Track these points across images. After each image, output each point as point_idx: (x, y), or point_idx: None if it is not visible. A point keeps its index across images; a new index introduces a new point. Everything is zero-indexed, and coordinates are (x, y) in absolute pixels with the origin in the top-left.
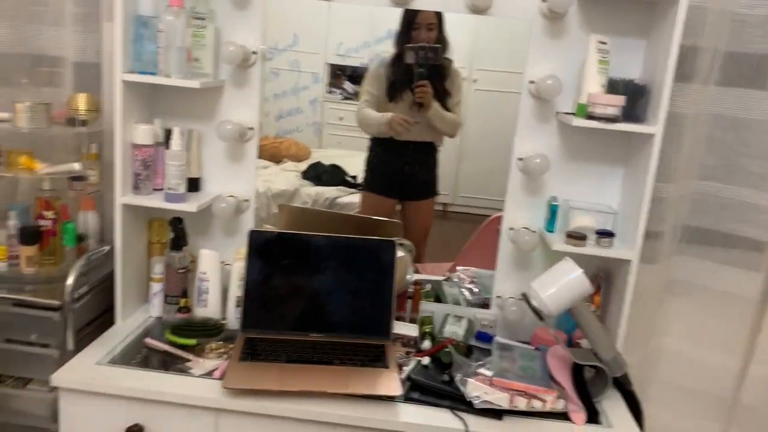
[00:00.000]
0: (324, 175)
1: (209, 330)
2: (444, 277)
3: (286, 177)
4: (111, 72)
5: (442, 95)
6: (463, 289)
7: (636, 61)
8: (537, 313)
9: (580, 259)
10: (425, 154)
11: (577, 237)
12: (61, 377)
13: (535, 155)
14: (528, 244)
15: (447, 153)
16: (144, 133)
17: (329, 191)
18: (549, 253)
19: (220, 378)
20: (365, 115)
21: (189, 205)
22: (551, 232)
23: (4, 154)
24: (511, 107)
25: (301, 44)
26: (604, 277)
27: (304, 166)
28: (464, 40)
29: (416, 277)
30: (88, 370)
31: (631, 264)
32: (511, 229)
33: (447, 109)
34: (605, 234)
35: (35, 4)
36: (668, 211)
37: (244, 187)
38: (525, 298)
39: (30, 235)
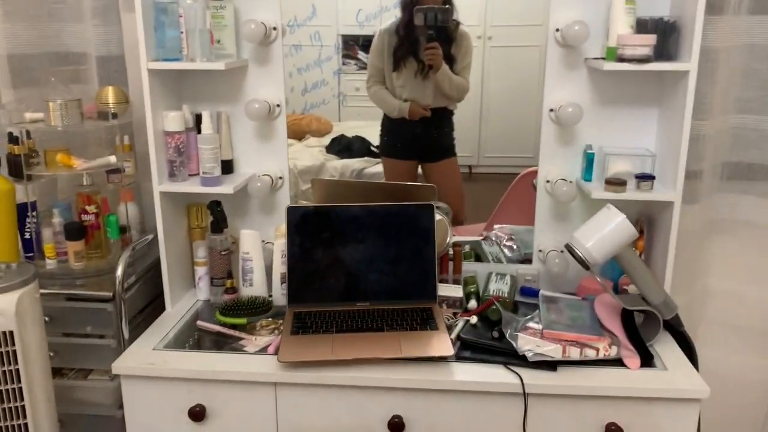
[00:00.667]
0: (348, 147)
1: (257, 308)
2: (482, 237)
3: (310, 153)
4: (135, 62)
5: (449, 60)
6: (502, 247)
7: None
8: (582, 262)
9: (620, 205)
10: (438, 117)
11: (616, 183)
12: (121, 365)
13: (567, 104)
14: (566, 196)
15: (467, 114)
16: (174, 120)
17: (355, 163)
18: (588, 203)
19: (275, 353)
20: (380, 97)
21: (225, 188)
22: (589, 181)
23: (41, 153)
24: (531, 62)
25: (319, 16)
26: (646, 222)
27: (327, 140)
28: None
29: (455, 239)
30: (146, 356)
31: (674, 205)
32: (548, 181)
33: (454, 73)
34: (645, 177)
35: (55, 2)
36: (707, 148)
37: (277, 165)
38: (569, 248)
39: (75, 230)
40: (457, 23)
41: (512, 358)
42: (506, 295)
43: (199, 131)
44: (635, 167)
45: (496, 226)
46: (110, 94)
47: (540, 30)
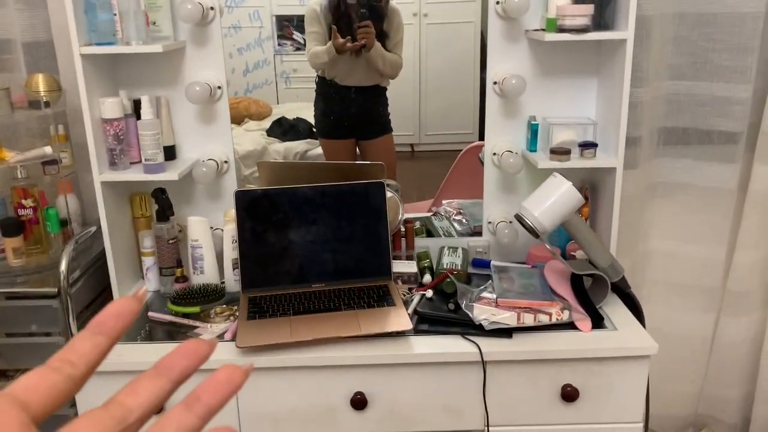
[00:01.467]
0: (290, 129)
1: (210, 295)
2: (431, 213)
3: (251, 137)
4: (65, 47)
5: (381, 36)
6: (452, 221)
7: None
8: (532, 231)
9: (565, 173)
10: (372, 95)
11: (561, 152)
12: None
13: (510, 77)
14: (513, 167)
15: (406, 92)
16: (112, 107)
17: (298, 145)
18: (534, 173)
19: (232, 339)
20: (314, 52)
21: (169, 174)
22: (534, 151)
23: None
24: (467, 37)
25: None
26: (589, 189)
27: (267, 123)
28: None
29: (406, 216)
30: None
31: (616, 171)
32: (495, 154)
33: (387, 50)
34: (588, 145)
35: None
36: (644, 115)
37: (221, 149)
38: (518, 218)
39: (12, 226)
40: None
41: (469, 328)
42: (459, 267)
43: (138, 117)
44: (578, 136)
45: (444, 201)
46: (40, 82)
47: (475, 5)
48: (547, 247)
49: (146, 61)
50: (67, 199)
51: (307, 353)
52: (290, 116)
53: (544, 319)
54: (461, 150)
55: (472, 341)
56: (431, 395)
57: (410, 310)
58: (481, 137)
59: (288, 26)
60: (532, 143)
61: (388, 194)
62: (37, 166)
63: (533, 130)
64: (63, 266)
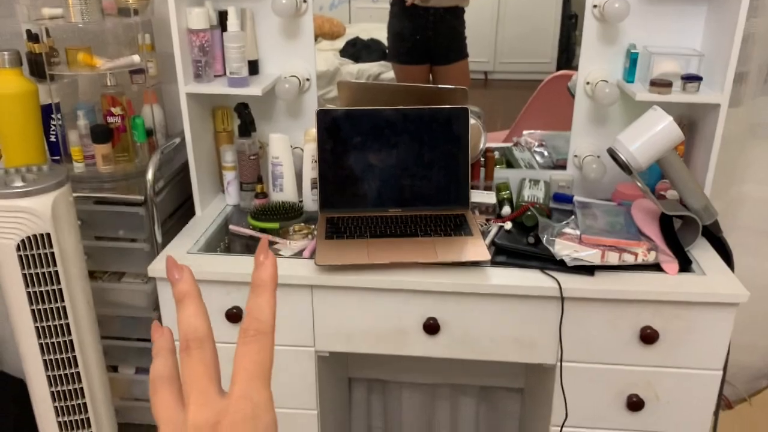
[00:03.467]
0: (363, 51)
1: (289, 213)
2: (512, 143)
3: (324, 57)
4: None
5: None
6: (533, 153)
7: None
8: (625, 167)
9: (664, 107)
10: (450, 17)
11: (661, 84)
12: (157, 268)
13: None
14: (608, 98)
15: (483, 16)
16: (198, 17)
17: (371, 68)
18: (628, 106)
19: (310, 257)
20: None
21: (253, 89)
22: (631, 82)
23: (62, 52)
24: None
25: None
26: (687, 125)
27: (340, 43)
28: None
29: (487, 144)
30: (181, 260)
31: (720, 108)
32: (588, 83)
33: None
34: (692, 78)
35: None
36: (755, 48)
37: (304, 65)
38: (611, 152)
39: (102, 133)
40: None
41: (549, 263)
42: (541, 201)
43: (223, 29)
44: (681, 68)
45: (524, 132)
46: None
47: None
48: (639, 184)
49: None
50: (153, 110)
51: (383, 275)
52: (364, 37)
53: (629, 258)
54: (537, 80)
55: (552, 276)
56: (505, 326)
57: (488, 241)
58: (559, 67)
59: None
60: (630, 73)
61: (471, 121)
62: (125, 74)
63: (632, 59)
64: (150, 175)
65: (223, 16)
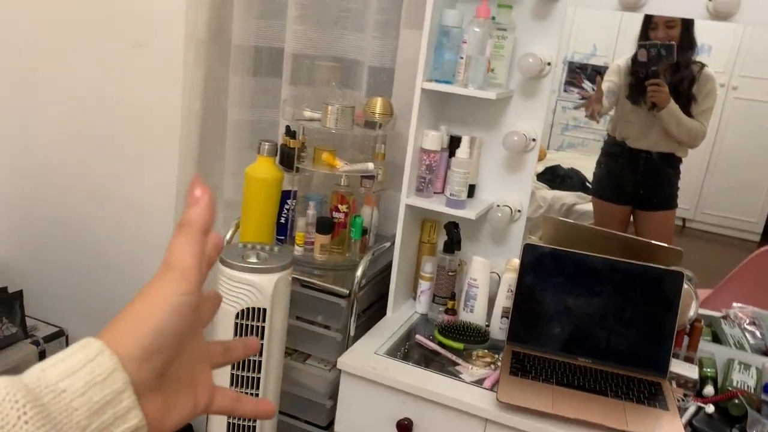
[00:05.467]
0: (562, 178)
1: (474, 336)
2: (722, 314)
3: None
4: (403, 77)
5: (686, 100)
6: (744, 331)
7: None
8: None
9: None
10: (663, 165)
11: None
12: (346, 362)
13: None
14: None
15: (692, 162)
16: (433, 139)
17: (567, 196)
18: None
19: (491, 388)
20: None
21: (468, 212)
22: None
23: (310, 148)
24: None
25: (599, 52)
26: None
27: (540, 167)
28: (726, 43)
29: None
30: (368, 359)
31: None
32: None
33: (690, 115)
34: None
35: (342, 10)
36: None
37: (517, 197)
38: None
39: (326, 225)
40: (702, 65)
41: None
42: (752, 390)
43: (451, 152)
44: None
45: (735, 305)
46: (379, 105)
47: None
48: None
49: (473, 103)
50: (372, 212)
51: (565, 429)
52: (564, 165)
53: None
54: (739, 237)
55: None
56: None
57: (684, 419)
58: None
59: (579, 74)
60: None
61: (684, 286)
62: (357, 177)
63: None
64: (359, 272)
65: (454, 142)
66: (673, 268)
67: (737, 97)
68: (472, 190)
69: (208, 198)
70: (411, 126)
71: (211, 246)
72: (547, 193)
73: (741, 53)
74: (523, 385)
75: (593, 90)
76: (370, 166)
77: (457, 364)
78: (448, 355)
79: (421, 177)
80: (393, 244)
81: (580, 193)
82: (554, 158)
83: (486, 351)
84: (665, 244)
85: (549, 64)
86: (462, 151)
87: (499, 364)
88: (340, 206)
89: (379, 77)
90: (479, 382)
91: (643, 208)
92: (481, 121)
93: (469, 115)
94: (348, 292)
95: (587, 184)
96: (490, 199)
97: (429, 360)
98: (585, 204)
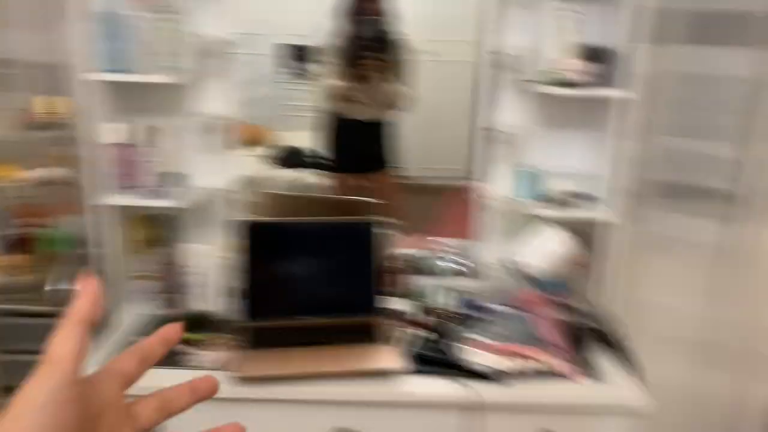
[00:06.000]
0: (291, 157)
1: (205, 323)
2: (427, 250)
3: (248, 163)
4: (79, 72)
5: (389, 68)
6: (446, 261)
7: (604, 25)
8: (527, 279)
9: (562, 224)
10: (377, 130)
11: (557, 202)
12: None
13: (513, 126)
14: (508, 213)
15: (404, 125)
16: (119, 132)
17: (296, 174)
18: (531, 220)
19: (229, 369)
20: (331, 83)
21: (173, 201)
22: (530, 199)
23: None
24: (467, 77)
25: (271, 26)
26: (585, 240)
27: (267, 150)
28: (418, 11)
29: (404, 252)
30: None
31: (613, 224)
32: (492, 198)
33: (397, 83)
34: (585, 197)
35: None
36: (641, 169)
37: (225, 177)
38: (512, 266)
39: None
40: (398, 34)
41: (458, 370)
42: (452, 308)
43: (144, 144)
44: (576, 187)
45: (440, 240)
46: (51, 104)
47: (470, 46)
48: (541, 294)
49: (155, 89)
50: (73, 219)
51: (296, 387)
52: (297, 144)
53: (534, 365)
54: (450, 185)
55: (463, 384)
56: None
57: (401, 349)
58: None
59: (288, 55)
60: (528, 191)
61: (385, 231)
62: (44, 185)
63: (532, 178)
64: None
65: (143, 132)
66: (364, 219)
67: (433, 60)
68: (177, 178)
69: (92, 289)
70: (91, 121)
71: (160, 339)
72: (277, 173)
73: (431, 19)
74: (257, 357)
75: (303, 71)
76: (56, 171)
77: (196, 354)
78: (188, 349)
79: (117, 173)
80: (102, 248)
81: (311, 169)
82: (288, 139)
83: (227, 335)
84: (364, 198)
85: (225, 41)
86: (152, 140)
87: (239, 344)
88: (30, 219)
89: (49, 75)
90: (214, 366)
91: (368, 171)
92: (170, 107)
93: (157, 103)
94: (53, 310)
95: (318, 160)
96: (198, 184)
97: (165, 358)
98: (314, 177)
